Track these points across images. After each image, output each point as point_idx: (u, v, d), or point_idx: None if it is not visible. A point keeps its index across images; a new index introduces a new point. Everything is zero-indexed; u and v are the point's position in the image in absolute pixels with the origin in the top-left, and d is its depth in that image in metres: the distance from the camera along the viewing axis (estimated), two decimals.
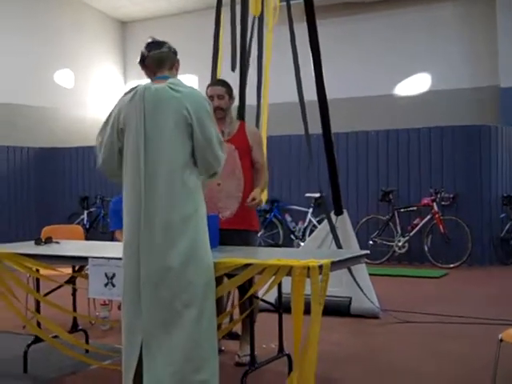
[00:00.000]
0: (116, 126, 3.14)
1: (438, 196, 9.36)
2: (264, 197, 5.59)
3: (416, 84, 11.83)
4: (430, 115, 11.05)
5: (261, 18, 5.28)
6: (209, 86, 4.36)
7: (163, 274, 2.98)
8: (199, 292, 3.03)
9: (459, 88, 11.31)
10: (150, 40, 3.37)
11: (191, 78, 12.67)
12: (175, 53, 3.35)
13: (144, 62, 3.30)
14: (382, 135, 10.07)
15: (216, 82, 4.45)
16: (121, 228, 3.23)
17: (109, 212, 3.53)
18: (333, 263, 3.23)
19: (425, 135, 9.77)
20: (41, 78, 12.44)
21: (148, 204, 3.01)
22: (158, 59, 3.27)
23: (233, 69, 5.05)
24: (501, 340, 3.16)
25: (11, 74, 11.76)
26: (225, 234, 4.00)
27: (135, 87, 3.20)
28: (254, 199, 4.10)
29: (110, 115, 3.22)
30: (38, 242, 4.36)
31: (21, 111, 11.95)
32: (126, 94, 3.23)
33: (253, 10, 5.19)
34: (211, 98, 4.24)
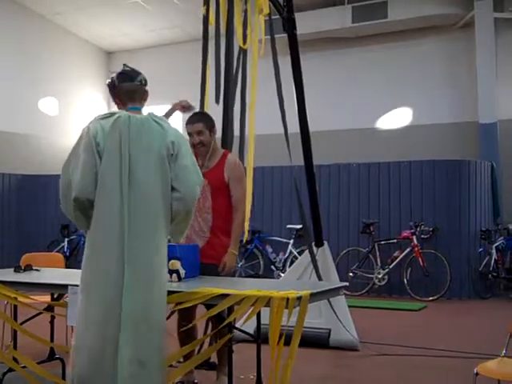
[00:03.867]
0: (94, 149, 3.08)
1: (418, 229, 9.44)
2: (246, 228, 5.62)
3: (398, 118, 12.01)
4: (411, 149, 11.21)
5: (245, 51, 5.36)
6: (187, 123, 4.30)
7: (147, 311, 3.04)
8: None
9: (440, 123, 11.50)
10: (123, 69, 3.37)
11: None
12: (146, 84, 3.37)
13: (114, 90, 3.32)
14: (363, 168, 10.17)
15: (193, 118, 4.34)
16: None
17: None
18: (312, 295, 3.24)
19: (405, 169, 9.89)
20: (24, 105, 12.44)
21: (131, 240, 3.03)
22: (131, 92, 3.29)
23: (217, 101, 5.10)
24: (476, 374, 3.19)
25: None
26: None
27: (114, 113, 3.20)
28: (224, 266, 4.09)
29: (81, 138, 3.15)
30: (18, 269, 4.33)
31: (3, 137, 11.92)
32: (102, 118, 3.19)
33: (240, 43, 5.27)
34: (190, 135, 4.25)
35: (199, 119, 4.31)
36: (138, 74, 3.36)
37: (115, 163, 3.07)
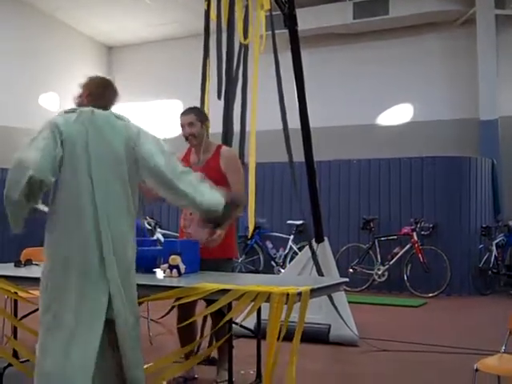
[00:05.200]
0: (57, 137, 3.03)
1: (418, 226, 9.44)
2: (251, 226, 5.63)
3: (398, 115, 11.98)
4: (412, 145, 11.19)
5: (246, 47, 5.35)
6: (180, 115, 4.36)
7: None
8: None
9: (440, 119, 11.47)
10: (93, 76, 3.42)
11: (175, 104, 12.73)
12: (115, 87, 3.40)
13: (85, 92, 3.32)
14: (363, 164, 10.17)
15: (186, 110, 4.39)
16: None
17: None
18: (312, 290, 3.26)
19: (406, 165, 9.89)
20: (25, 100, 12.42)
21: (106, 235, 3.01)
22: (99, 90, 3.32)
23: (219, 97, 5.11)
24: (476, 370, 3.20)
25: None
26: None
27: (75, 109, 3.19)
28: (212, 239, 4.00)
29: (42, 129, 3.10)
30: (18, 264, 4.34)
31: (3, 132, 11.91)
32: (65, 112, 3.19)
33: (240, 38, 5.26)
34: (182, 126, 4.30)
35: (191, 111, 4.36)
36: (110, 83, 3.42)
37: (76, 163, 3.03)
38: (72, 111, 3.18)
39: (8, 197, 2.97)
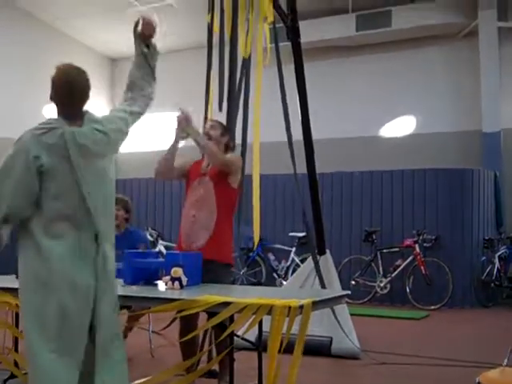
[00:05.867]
0: (33, 165, 2.90)
1: (420, 237, 9.43)
2: (256, 237, 5.64)
3: (401, 126, 11.99)
4: (414, 157, 11.20)
5: (249, 59, 5.36)
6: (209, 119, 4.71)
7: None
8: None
9: (443, 132, 11.48)
10: (68, 69, 3.20)
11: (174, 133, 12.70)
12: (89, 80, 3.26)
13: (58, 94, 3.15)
14: (366, 176, 10.18)
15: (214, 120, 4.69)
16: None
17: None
18: (314, 303, 3.25)
19: (408, 177, 9.90)
20: (28, 112, 12.39)
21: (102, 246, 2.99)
22: (79, 93, 3.18)
23: (220, 109, 5.12)
24: (478, 383, 3.18)
25: None
26: None
27: (54, 128, 3.00)
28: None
29: (16, 153, 2.98)
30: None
31: (6, 144, 11.91)
32: (41, 133, 2.99)
33: (242, 51, 5.27)
34: (204, 127, 4.57)
35: (218, 121, 4.60)
36: (79, 74, 3.24)
37: (67, 177, 2.95)
38: (49, 130, 3.01)
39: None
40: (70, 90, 3.10)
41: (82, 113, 3.13)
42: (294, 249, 10.27)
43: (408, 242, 9.51)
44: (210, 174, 4.32)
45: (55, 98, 3.13)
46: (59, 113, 3.12)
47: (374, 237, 9.77)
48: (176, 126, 4.34)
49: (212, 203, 4.25)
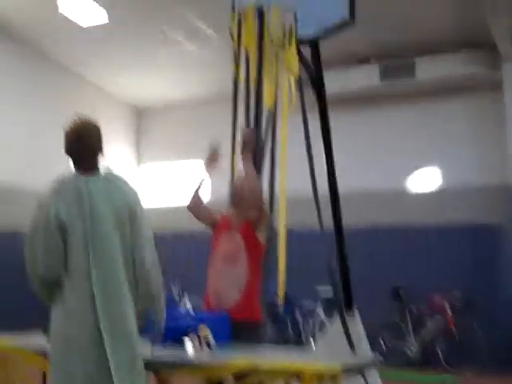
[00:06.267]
0: (54, 225, 2.95)
1: (451, 297, 9.09)
2: (281, 292, 5.45)
3: (426, 180, 11.79)
4: (441, 212, 10.94)
5: (274, 110, 5.27)
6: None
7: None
8: None
9: (470, 186, 11.25)
10: (78, 124, 3.19)
11: (202, 165, 12.74)
12: (101, 135, 3.25)
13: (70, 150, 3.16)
14: (393, 231, 9.95)
15: None
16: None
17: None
18: (344, 368, 3.11)
19: (435, 233, 9.65)
20: (52, 162, 12.28)
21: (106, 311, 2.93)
22: (83, 150, 3.14)
23: None
24: None
25: (21, 156, 11.78)
26: None
27: (70, 178, 3.08)
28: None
29: (40, 210, 3.03)
30: (47, 330, 4.09)
31: (26, 194, 11.87)
32: (59, 185, 3.07)
33: (266, 103, 5.19)
34: (232, 183, 4.48)
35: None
36: (88, 129, 3.21)
37: (80, 238, 2.97)
38: (66, 184, 3.07)
39: (32, 282, 3.03)
40: (79, 145, 3.14)
41: (96, 166, 3.15)
42: (320, 305, 10.00)
43: (438, 301, 9.16)
44: (239, 228, 4.19)
45: (67, 152, 3.17)
46: (74, 166, 3.15)
47: (401, 295, 9.46)
48: (208, 157, 4.44)
49: (242, 259, 4.10)
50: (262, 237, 4.20)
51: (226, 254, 4.15)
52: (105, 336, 2.87)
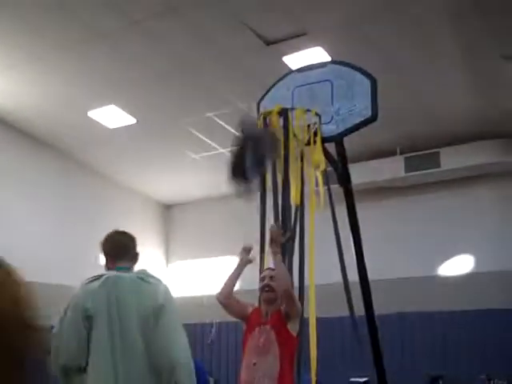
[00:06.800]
0: (82, 316, 3.09)
1: (492, 383, 8.89)
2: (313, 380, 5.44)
3: (458, 265, 11.75)
4: (474, 297, 10.84)
5: (302, 205, 5.45)
6: (266, 268, 4.66)
7: None
8: None
9: (503, 270, 11.18)
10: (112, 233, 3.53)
11: (230, 260, 12.81)
12: (135, 242, 3.50)
13: (105, 249, 3.44)
14: (426, 317, 9.87)
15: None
16: None
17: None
18: None
19: (471, 318, 9.55)
20: (82, 259, 12.33)
21: None
22: (120, 248, 3.43)
23: None
24: None
25: (52, 255, 11.93)
26: None
27: (101, 275, 3.25)
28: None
29: (68, 305, 3.17)
30: None
31: (61, 291, 12.00)
32: (90, 281, 3.23)
33: (293, 199, 5.38)
34: (263, 279, 4.47)
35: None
36: (124, 232, 3.53)
37: (104, 328, 3.07)
38: (97, 278, 3.23)
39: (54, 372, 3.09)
40: (112, 245, 3.46)
41: (128, 264, 3.38)
42: None
43: None
44: (270, 322, 4.29)
45: (103, 249, 3.47)
46: (107, 263, 3.43)
47: (440, 382, 9.28)
48: (244, 249, 4.61)
49: (274, 351, 4.18)
50: (293, 328, 4.28)
51: (257, 346, 4.23)
52: None
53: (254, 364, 4.16)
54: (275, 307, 4.37)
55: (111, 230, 3.58)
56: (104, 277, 3.19)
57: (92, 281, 3.21)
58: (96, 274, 3.27)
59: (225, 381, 10.73)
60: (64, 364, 3.04)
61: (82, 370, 3.05)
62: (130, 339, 3.07)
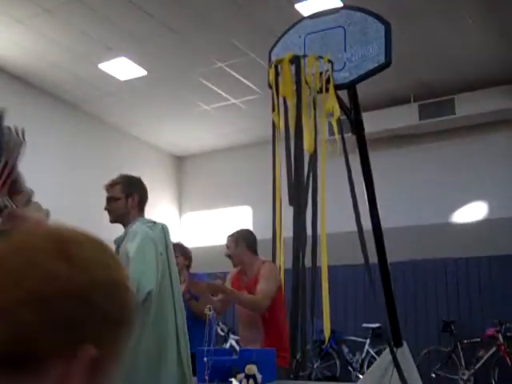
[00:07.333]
0: (158, 254, 3.41)
1: (503, 327, 9.00)
2: (327, 332, 5.52)
3: (472, 212, 11.75)
4: (488, 244, 10.87)
5: (315, 153, 5.43)
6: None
7: None
8: None
9: None
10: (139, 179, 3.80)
11: (245, 210, 12.94)
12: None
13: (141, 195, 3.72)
14: (439, 264, 9.93)
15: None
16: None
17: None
18: None
19: (485, 264, 9.60)
20: (97, 212, 12.47)
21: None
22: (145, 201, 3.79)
23: (291, 203, 5.18)
24: None
25: (61, 211, 11.94)
26: None
27: (155, 222, 3.58)
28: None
29: (146, 244, 3.39)
30: None
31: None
32: (151, 226, 3.52)
33: (307, 147, 5.36)
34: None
35: (229, 236, 4.84)
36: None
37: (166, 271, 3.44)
38: (153, 224, 3.53)
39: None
40: (147, 194, 3.84)
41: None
42: (368, 340, 9.99)
43: (490, 331, 9.09)
44: (247, 287, 4.51)
45: (144, 197, 3.78)
46: (141, 210, 3.69)
47: (452, 327, 9.40)
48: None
49: (256, 321, 4.43)
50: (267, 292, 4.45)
51: (241, 313, 4.58)
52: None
53: (243, 335, 4.64)
54: (249, 274, 4.62)
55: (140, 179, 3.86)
56: (159, 225, 3.50)
57: (153, 227, 3.49)
58: (150, 221, 3.56)
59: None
60: (152, 289, 3.21)
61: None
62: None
